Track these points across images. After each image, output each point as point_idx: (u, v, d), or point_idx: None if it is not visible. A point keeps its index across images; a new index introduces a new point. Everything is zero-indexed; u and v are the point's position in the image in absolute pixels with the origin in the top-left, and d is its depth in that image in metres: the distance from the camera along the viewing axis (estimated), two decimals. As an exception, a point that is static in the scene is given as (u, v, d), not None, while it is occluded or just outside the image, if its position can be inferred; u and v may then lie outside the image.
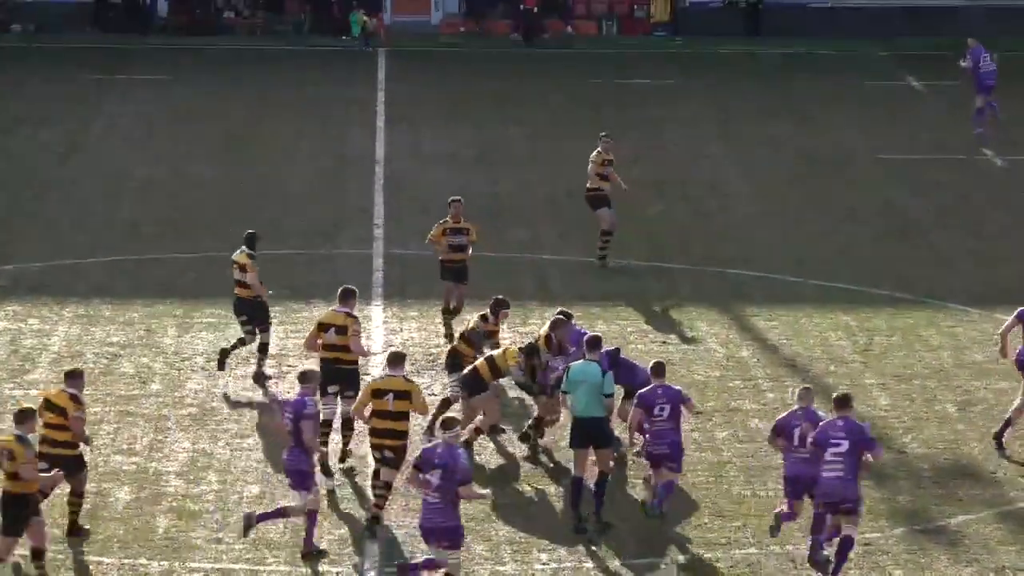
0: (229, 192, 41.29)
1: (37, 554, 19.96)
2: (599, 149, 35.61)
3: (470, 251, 30.31)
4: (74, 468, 22.16)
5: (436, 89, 50.90)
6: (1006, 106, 46.22)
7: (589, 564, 21.59)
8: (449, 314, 29.59)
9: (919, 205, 39.02)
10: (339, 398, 24.21)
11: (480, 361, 25.45)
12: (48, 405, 22.41)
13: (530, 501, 23.47)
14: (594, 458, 22.29)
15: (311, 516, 21.39)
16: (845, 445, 20.33)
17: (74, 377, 22.66)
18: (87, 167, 42.81)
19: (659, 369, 22.30)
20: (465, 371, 25.68)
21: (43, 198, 39.87)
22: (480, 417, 25.29)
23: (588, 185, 35.15)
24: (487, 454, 25.71)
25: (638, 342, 28.46)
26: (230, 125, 47.00)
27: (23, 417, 20.94)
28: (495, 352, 25.92)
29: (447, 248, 29.81)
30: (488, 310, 28.24)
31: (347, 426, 23.75)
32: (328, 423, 23.84)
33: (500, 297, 27.25)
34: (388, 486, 22.10)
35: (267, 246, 32.76)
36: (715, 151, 44.38)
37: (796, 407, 21.10)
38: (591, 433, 22.82)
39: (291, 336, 30.44)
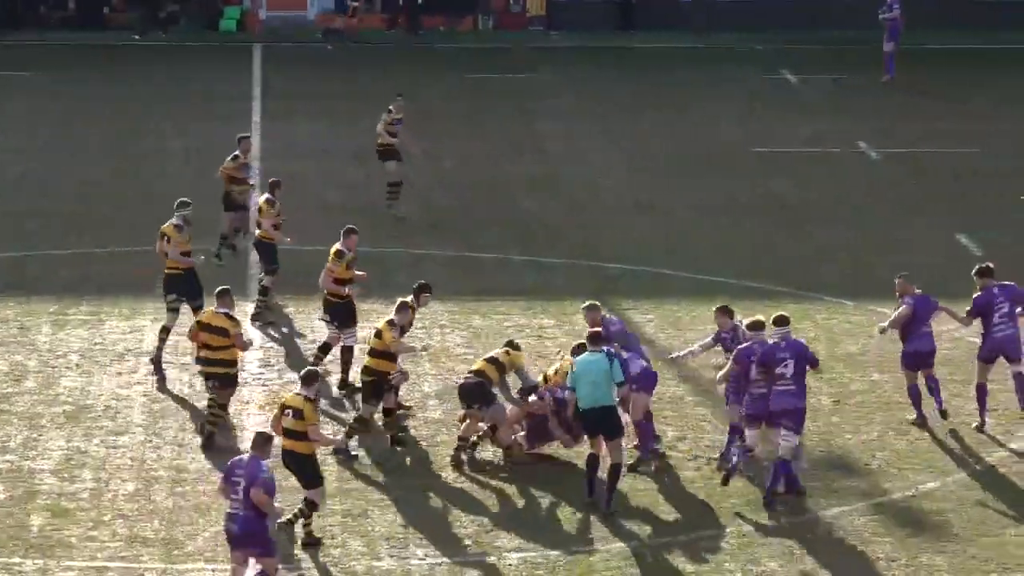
0: (108, 190, 40.88)
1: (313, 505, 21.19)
2: (390, 108, 37.25)
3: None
4: (228, 384, 24.25)
5: (311, 84, 50.56)
6: (880, 104, 47.77)
7: (466, 559, 21.59)
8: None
9: (795, 198, 39.25)
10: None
11: (483, 363, 25.21)
12: (204, 327, 24.10)
13: (407, 498, 23.41)
14: (605, 450, 22.64)
15: None
16: (792, 365, 21.96)
17: (223, 296, 24.33)
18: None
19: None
20: (468, 379, 25.33)
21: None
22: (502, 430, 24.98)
23: (378, 141, 36.97)
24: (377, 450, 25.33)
25: (516, 335, 28.29)
26: (106, 122, 46.81)
27: (310, 379, 21.55)
28: (499, 352, 25.75)
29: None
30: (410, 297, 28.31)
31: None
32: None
33: (424, 282, 27.29)
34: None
35: (150, 243, 32.78)
36: (589, 144, 44.59)
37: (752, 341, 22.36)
38: (599, 423, 23.25)
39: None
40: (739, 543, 21.43)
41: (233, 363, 25.05)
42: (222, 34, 57.65)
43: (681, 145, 44.01)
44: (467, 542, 22.14)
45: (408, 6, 58.20)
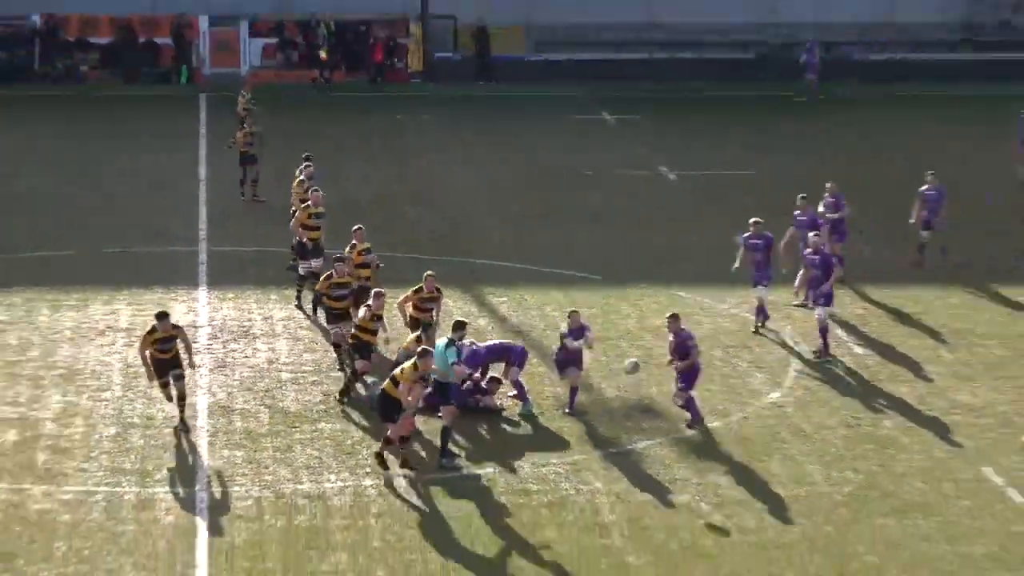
0: (83, 203, 39.99)
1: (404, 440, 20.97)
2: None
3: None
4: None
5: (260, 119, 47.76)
6: (676, 138, 47.60)
7: (368, 483, 21.63)
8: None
9: (613, 208, 39.30)
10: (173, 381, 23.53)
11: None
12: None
13: (327, 439, 23.36)
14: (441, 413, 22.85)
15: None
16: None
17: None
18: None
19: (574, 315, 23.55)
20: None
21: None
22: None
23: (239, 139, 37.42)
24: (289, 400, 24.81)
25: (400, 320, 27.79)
26: (80, 155, 45.81)
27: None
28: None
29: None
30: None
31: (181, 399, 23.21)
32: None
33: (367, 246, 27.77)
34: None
35: (119, 245, 34.06)
36: (459, 170, 43.58)
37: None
38: (437, 392, 23.20)
39: (139, 315, 30.09)
40: (570, 467, 21.86)
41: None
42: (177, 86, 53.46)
43: (525, 168, 43.71)
44: (368, 470, 22.26)
45: (323, 67, 55.60)
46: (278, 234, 32.98)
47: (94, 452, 22.31)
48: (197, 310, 29.56)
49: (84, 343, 27.59)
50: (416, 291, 25.62)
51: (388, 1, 58.62)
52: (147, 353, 22.76)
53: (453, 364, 22.47)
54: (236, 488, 21.02)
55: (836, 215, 31.06)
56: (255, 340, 27.85)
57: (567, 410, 24.11)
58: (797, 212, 30.61)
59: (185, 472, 22.15)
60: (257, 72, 56.23)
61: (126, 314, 29.21)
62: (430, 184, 41.64)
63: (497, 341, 26.33)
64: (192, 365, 23.57)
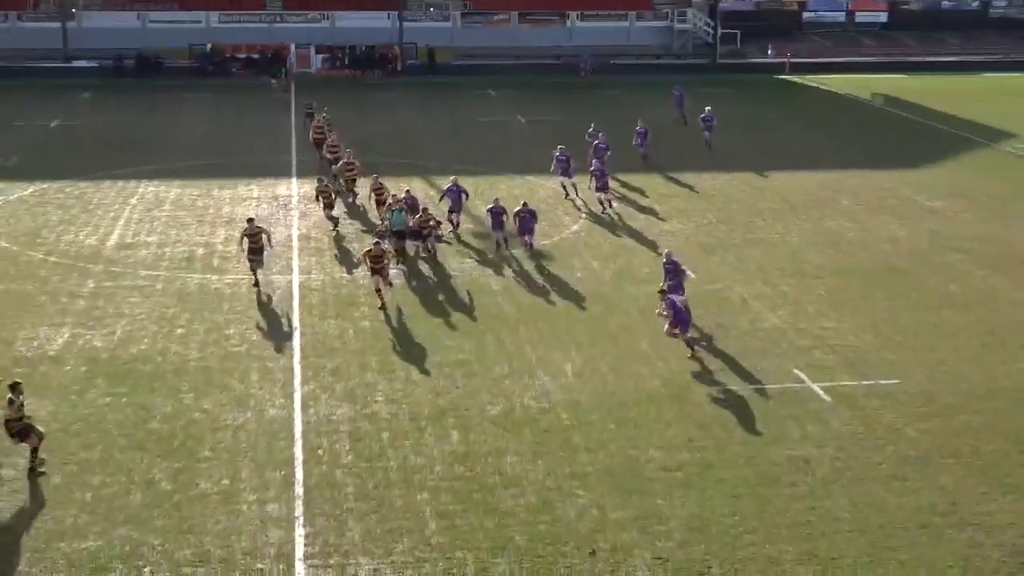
0: (236, 137, 51.51)
1: None
2: (326, 120, 42.19)
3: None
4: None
5: (318, 95, 59.51)
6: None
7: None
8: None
9: (493, 136, 49.79)
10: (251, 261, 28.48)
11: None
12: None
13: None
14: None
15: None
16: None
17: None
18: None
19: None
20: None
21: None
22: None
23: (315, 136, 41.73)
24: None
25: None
26: (233, 112, 58.65)
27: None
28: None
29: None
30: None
31: None
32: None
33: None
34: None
35: (252, 155, 44.94)
36: (419, 118, 56.93)
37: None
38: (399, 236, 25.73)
39: (261, 189, 39.75)
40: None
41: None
42: (280, 79, 68.17)
43: (451, 118, 57.20)
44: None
45: (352, 67, 72.26)
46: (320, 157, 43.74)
47: (242, 261, 31.14)
48: (290, 185, 40.99)
49: (236, 204, 38.45)
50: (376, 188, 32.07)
51: (384, 35, 76.77)
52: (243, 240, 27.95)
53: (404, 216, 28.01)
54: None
55: (598, 143, 41.80)
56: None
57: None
58: (588, 137, 42.10)
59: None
60: (319, 71, 73.38)
61: (255, 189, 40.69)
62: (405, 126, 54.39)
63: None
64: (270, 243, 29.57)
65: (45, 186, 41.81)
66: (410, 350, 26.43)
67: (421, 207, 32.36)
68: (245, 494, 20.10)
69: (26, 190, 41.42)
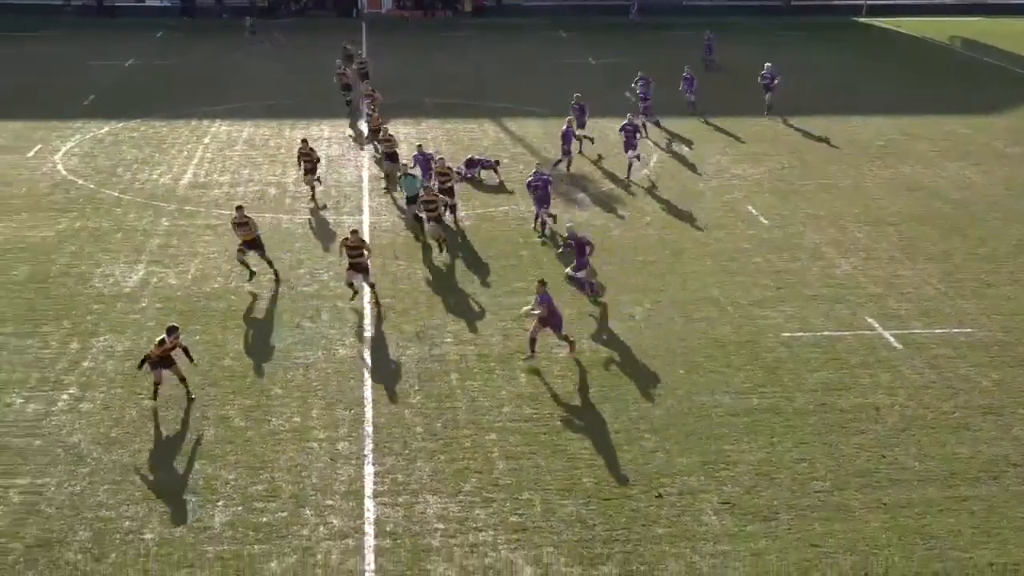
0: (312, 73, 51.57)
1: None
2: (359, 57, 42.19)
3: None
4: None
5: (389, 36, 63.26)
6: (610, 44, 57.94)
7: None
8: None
9: (562, 75, 48.15)
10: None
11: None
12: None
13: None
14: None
15: None
16: None
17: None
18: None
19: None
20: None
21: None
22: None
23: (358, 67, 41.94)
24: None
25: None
26: (314, 46, 59.15)
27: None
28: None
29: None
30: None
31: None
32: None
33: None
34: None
35: (327, 88, 44.26)
36: (474, 56, 57.21)
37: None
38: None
39: (324, 125, 40.03)
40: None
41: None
42: (352, 18, 70.21)
43: (513, 57, 56.86)
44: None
45: (414, 8, 71.97)
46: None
47: (309, 203, 32.49)
48: (361, 125, 41.12)
49: (296, 135, 39.42)
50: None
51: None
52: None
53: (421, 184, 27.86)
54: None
55: (647, 92, 41.28)
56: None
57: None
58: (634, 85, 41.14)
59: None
60: (389, 11, 73.93)
61: (326, 129, 41.34)
62: (474, 68, 54.53)
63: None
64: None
65: (120, 125, 42.80)
66: (478, 292, 26.88)
67: (434, 176, 31.10)
68: (316, 432, 20.73)
69: (101, 129, 42.42)
